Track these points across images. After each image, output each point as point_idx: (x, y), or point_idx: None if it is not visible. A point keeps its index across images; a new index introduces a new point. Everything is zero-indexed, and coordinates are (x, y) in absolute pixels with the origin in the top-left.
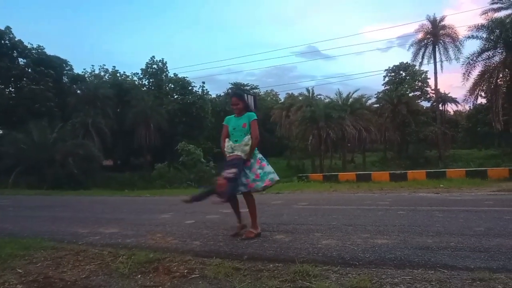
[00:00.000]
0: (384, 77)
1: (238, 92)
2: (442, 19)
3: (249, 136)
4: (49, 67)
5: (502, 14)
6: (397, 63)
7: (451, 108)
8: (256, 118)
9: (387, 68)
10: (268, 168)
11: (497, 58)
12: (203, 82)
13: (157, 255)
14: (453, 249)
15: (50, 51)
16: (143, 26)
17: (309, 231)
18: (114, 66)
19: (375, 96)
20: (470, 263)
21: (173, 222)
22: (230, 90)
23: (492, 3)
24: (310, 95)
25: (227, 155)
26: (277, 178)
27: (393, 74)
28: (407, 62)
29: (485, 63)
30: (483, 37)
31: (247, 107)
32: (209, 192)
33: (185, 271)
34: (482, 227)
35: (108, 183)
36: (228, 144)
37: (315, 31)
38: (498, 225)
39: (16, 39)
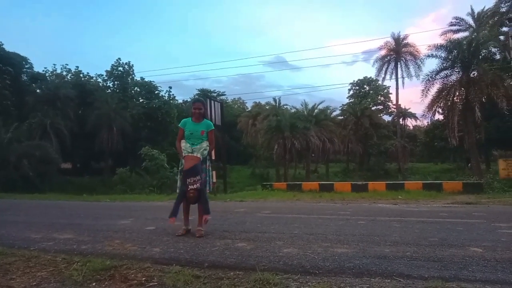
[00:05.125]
0: (349, 90)
1: (202, 99)
2: (405, 37)
3: (207, 142)
4: (7, 64)
5: (459, 35)
6: (361, 77)
7: (410, 122)
8: (213, 128)
9: (352, 81)
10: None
11: (454, 77)
12: (170, 87)
13: (114, 262)
14: (409, 258)
15: (9, 47)
16: (111, 28)
17: (271, 240)
18: (77, 66)
19: (340, 108)
20: (424, 272)
21: (133, 228)
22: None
23: (451, 25)
24: (277, 104)
25: (185, 155)
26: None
27: (357, 87)
28: (371, 77)
29: (443, 81)
30: (442, 56)
31: (205, 114)
32: (180, 201)
33: (143, 279)
34: (437, 238)
35: (66, 187)
36: (185, 145)
37: (284, 42)
38: (452, 236)
39: None
